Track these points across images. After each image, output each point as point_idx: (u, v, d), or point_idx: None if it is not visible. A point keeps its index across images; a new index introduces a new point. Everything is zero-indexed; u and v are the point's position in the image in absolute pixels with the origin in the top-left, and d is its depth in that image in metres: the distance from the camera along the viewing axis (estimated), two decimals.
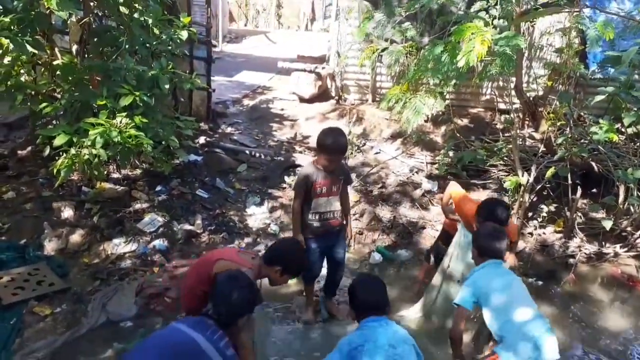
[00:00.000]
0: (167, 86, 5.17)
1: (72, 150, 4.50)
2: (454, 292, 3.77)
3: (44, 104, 4.89)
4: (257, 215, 5.79)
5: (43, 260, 4.57)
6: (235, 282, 2.55)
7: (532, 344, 2.98)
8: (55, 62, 5.15)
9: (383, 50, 7.04)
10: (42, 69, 5.43)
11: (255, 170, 6.52)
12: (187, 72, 6.37)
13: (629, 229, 5.64)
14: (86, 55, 5.27)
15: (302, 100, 8.36)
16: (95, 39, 5.21)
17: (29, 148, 5.71)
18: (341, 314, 4.30)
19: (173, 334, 2.44)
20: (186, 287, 3.31)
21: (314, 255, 4.05)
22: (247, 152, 6.81)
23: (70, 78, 4.95)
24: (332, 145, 3.75)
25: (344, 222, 4.17)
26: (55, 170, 4.50)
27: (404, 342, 2.75)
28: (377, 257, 5.37)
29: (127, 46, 4.96)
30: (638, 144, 5.99)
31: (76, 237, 4.86)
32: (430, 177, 6.64)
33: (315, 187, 3.85)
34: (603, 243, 5.66)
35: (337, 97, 8.31)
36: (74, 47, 5.25)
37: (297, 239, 3.77)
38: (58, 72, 5.10)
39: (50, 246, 4.73)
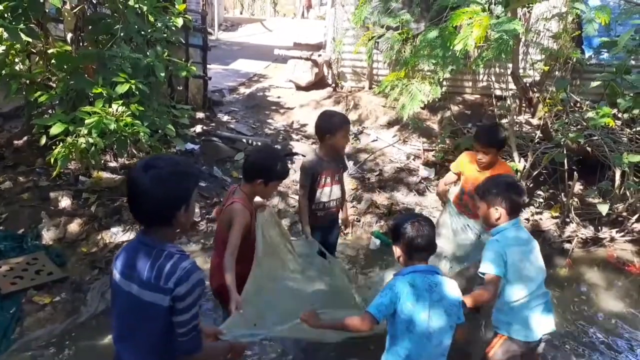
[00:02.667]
0: (162, 74, 5.15)
1: (69, 139, 4.49)
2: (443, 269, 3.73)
3: (40, 93, 4.87)
4: None
5: (41, 250, 4.58)
6: (155, 173, 1.95)
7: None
8: (50, 51, 5.11)
9: (379, 37, 7.01)
10: (37, 58, 5.40)
11: None
12: (183, 60, 6.33)
13: (624, 213, 5.67)
14: (81, 44, 5.24)
15: (298, 88, 8.34)
16: (90, 27, 5.18)
17: (25, 138, 5.70)
18: None
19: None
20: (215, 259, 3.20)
21: None
22: (244, 140, 6.80)
23: (65, 66, 4.92)
24: (340, 124, 3.73)
25: (339, 209, 4.16)
26: (52, 160, 4.50)
27: (449, 306, 2.63)
28: (376, 242, 5.39)
29: (122, 34, 4.94)
30: (634, 129, 6.01)
31: (74, 226, 4.86)
32: (427, 164, 6.65)
33: (321, 177, 3.85)
34: (599, 228, 5.69)
35: (334, 85, 8.29)
36: (69, 35, 5.22)
37: (265, 144, 3.62)
38: (53, 61, 5.07)
39: (48, 235, 4.73)
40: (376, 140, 7.09)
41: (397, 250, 2.73)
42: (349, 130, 3.90)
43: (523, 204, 3.21)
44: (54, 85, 5.17)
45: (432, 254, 2.71)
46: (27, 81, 5.16)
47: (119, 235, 4.89)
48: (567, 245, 5.48)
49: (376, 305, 2.59)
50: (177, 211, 1.99)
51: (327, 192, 3.90)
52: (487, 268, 2.94)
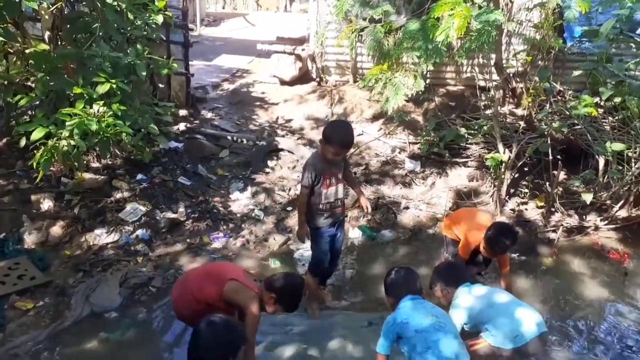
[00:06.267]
0: (144, 73, 5.08)
1: (50, 142, 4.41)
2: None
3: (20, 96, 4.79)
4: (240, 201, 5.76)
5: (23, 254, 4.51)
6: (213, 328, 2.53)
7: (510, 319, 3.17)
8: (27, 51, 5.01)
9: (362, 30, 6.97)
10: (15, 58, 5.29)
11: (237, 156, 6.47)
12: (164, 57, 6.26)
13: (608, 201, 5.72)
14: (59, 43, 5.15)
15: (282, 82, 8.28)
16: (68, 26, 5.09)
17: (5, 140, 5.59)
18: (327, 299, 4.34)
19: None
20: (187, 292, 3.31)
21: (325, 244, 4.05)
22: (229, 137, 6.75)
23: (44, 66, 4.83)
24: (340, 139, 3.71)
25: (344, 209, 4.17)
26: (34, 164, 4.42)
27: (443, 314, 3.03)
28: (357, 233, 5.39)
29: (101, 32, 4.86)
30: (616, 117, 6.05)
31: (57, 229, 4.80)
32: (412, 156, 6.65)
33: (325, 178, 3.83)
34: (584, 217, 5.74)
35: (318, 79, 8.24)
36: (47, 35, 5.12)
37: (302, 278, 3.67)
38: (31, 61, 4.98)
39: (30, 239, 4.66)
40: (362, 134, 7.07)
41: (388, 300, 3.25)
42: (341, 153, 3.79)
43: None
44: (33, 85, 5.08)
45: (414, 292, 3.11)
46: (5, 82, 5.06)
47: (102, 237, 4.84)
48: (552, 235, 5.52)
49: (382, 343, 2.98)
50: None
51: (333, 192, 3.90)
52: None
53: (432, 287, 3.59)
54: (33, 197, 4.99)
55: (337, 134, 3.74)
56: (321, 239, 4.02)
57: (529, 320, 3.18)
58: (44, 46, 4.96)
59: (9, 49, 5.17)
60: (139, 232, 4.97)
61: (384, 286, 3.29)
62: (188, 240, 5.07)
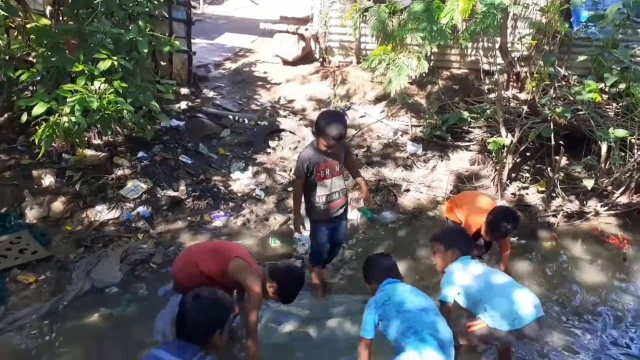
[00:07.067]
0: (145, 50, 5.04)
1: (52, 119, 4.40)
2: None
3: (21, 71, 4.77)
4: (241, 181, 5.77)
5: (25, 229, 4.54)
6: (199, 302, 2.49)
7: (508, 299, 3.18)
8: (29, 26, 4.97)
9: (366, 10, 6.90)
10: (16, 33, 5.25)
11: (238, 135, 6.46)
12: (166, 34, 6.20)
13: (609, 188, 5.71)
14: (61, 18, 5.11)
15: (285, 62, 8.22)
16: (70, 1, 5.03)
17: (6, 115, 5.58)
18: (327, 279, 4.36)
19: None
20: (190, 264, 3.33)
21: (322, 237, 4.05)
22: (230, 116, 6.72)
23: (45, 42, 4.80)
24: (329, 131, 3.62)
25: (346, 199, 4.13)
26: (36, 140, 4.42)
27: (424, 296, 3.11)
28: (356, 215, 5.41)
29: (102, 8, 4.80)
30: (620, 103, 6.02)
31: (58, 204, 4.81)
32: (414, 139, 6.63)
33: (319, 170, 3.79)
34: (584, 202, 5.74)
35: (321, 59, 8.17)
36: (48, 10, 5.08)
37: (303, 273, 3.65)
38: (32, 36, 4.94)
39: (31, 214, 4.68)
40: (364, 116, 7.04)
41: (369, 288, 3.27)
42: (333, 146, 3.70)
43: None
44: (34, 61, 5.05)
45: (394, 277, 3.20)
46: (6, 57, 5.03)
47: (103, 213, 4.86)
48: (552, 219, 5.53)
49: (364, 327, 3.04)
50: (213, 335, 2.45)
51: (328, 185, 3.85)
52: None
53: (435, 243, 3.59)
54: (34, 173, 5.00)
55: (328, 126, 3.63)
56: (318, 231, 4.02)
57: (528, 303, 3.19)
58: (45, 21, 4.93)
59: (10, 24, 5.13)
60: (140, 209, 4.98)
61: (364, 275, 3.32)
62: (189, 218, 5.08)
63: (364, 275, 3.33)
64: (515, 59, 6.64)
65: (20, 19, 5.02)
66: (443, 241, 3.53)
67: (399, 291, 3.07)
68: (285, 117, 6.95)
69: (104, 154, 5.38)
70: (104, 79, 4.62)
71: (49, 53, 4.78)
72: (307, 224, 4.20)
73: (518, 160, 6.07)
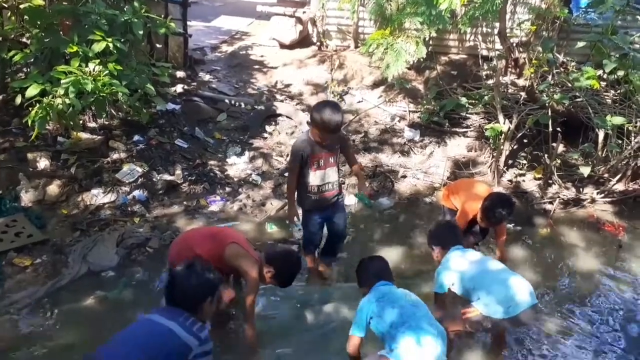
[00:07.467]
0: (141, 32, 4.98)
1: (46, 100, 4.35)
2: None
3: (14, 52, 4.70)
4: (238, 165, 5.75)
5: (20, 212, 4.51)
6: (190, 270, 2.54)
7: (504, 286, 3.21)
8: (22, 6, 4.88)
9: None
10: (9, 13, 5.17)
11: (235, 120, 6.41)
12: (162, 16, 6.12)
13: (606, 175, 5.73)
14: None
15: (282, 46, 8.15)
16: None
17: (0, 97, 5.52)
18: (327, 273, 4.35)
19: (148, 326, 2.44)
20: (187, 248, 3.31)
21: (314, 226, 4.04)
22: (227, 100, 6.67)
23: (39, 22, 4.73)
24: (323, 123, 3.57)
25: (340, 191, 4.10)
26: (30, 122, 4.37)
27: (415, 296, 3.12)
28: (353, 200, 5.39)
29: None
30: (619, 90, 6.00)
31: (53, 188, 4.78)
32: (412, 125, 6.60)
33: (312, 161, 3.75)
34: (581, 189, 5.75)
35: (318, 43, 8.10)
36: None
37: (299, 258, 3.62)
38: (26, 17, 4.86)
39: (27, 197, 4.66)
40: (361, 101, 7.00)
41: (362, 291, 3.26)
42: (327, 137, 3.66)
43: None
44: (28, 42, 4.98)
45: (386, 279, 3.20)
46: (0, 38, 4.96)
47: (99, 197, 4.83)
48: (548, 206, 5.54)
49: (356, 325, 3.05)
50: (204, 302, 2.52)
51: (320, 176, 3.81)
52: None
53: (430, 246, 3.69)
54: (29, 156, 4.95)
55: (322, 118, 3.57)
56: (309, 221, 4.01)
57: (523, 290, 3.21)
58: (39, 1, 4.84)
59: (3, 4, 5.05)
60: (136, 193, 4.96)
61: (357, 278, 3.33)
62: (185, 202, 5.07)
63: (357, 279, 3.34)
64: (514, 44, 6.61)
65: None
66: (434, 241, 3.63)
67: (393, 290, 3.12)
68: (282, 101, 6.90)
69: (99, 137, 5.33)
70: (98, 60, 4.57)
71: (43, 34, 4.72)
72: (301, 214, 4.18)
73: (515, 146, 6.06)
